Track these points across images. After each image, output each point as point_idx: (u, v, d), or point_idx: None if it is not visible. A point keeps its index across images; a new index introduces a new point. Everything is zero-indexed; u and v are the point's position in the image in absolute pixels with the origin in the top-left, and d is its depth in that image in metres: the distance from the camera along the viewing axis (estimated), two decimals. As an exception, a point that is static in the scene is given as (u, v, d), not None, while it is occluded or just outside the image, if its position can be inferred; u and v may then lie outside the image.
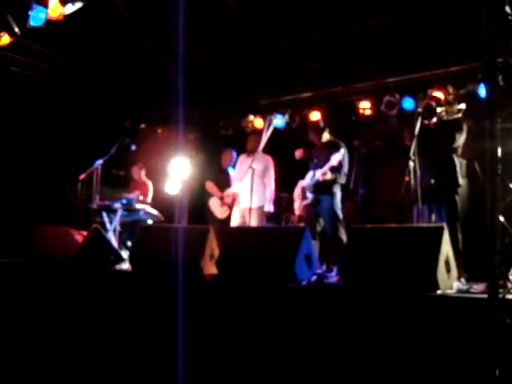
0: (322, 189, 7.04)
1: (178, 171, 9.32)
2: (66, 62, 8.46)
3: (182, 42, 5.39)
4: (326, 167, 6.92)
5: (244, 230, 6.25)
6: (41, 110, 8.59)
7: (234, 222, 7.84)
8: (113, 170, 8.59)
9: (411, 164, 5.58)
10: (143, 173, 9.31)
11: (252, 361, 4.31)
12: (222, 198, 8.34)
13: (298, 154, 7.49)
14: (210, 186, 8.55)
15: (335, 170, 6.97)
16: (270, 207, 7.92)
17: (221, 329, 4.54)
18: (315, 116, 8.91)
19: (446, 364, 3.51)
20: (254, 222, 7.53)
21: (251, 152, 7.78)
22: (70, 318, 5.53)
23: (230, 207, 8.20)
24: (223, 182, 8.47)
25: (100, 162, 7.64)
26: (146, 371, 4.75)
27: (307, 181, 7.18)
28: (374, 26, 6.98)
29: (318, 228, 7.14)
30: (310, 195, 7.13)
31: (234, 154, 8.68)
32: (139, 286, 5.29)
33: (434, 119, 6.15)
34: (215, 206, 8.41)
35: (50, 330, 5.59)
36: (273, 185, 7.98)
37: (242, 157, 8.20)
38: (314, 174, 7.09)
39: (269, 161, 8.01)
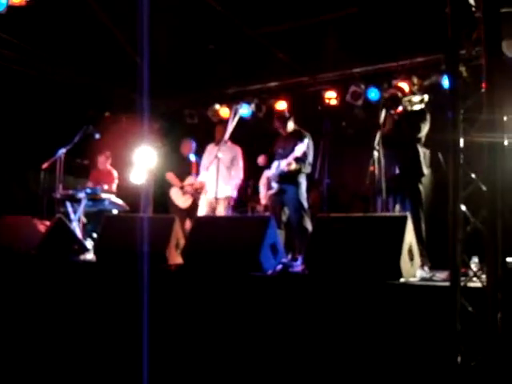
0: (287, 179, 7.07)
1: (143, 160, 9.25)
2: (29, 49, 8.31)
3: (146, 31, 5.32)
4: (291, 157, 6.95)
5: (209, 219, 6.24)
6: (3, 97, 8.43)
7: (202, 212, 7.81)
8: (76, 159, 8.47)
9: (375, 154, 5.63)
10: (109, 162, 9.21)
11: (217, 350, 4.32)
12: (182, 188, 8.33)
13: (261, 160, 7.55)
14: (170, 176, 8.52)
15: (300, 160, 7.00)
16: (233, 192, 7.92)
17: (186, 318, 4.53)
18: (281, 105, 8.93)
19: (409, 351, 3.56)
20: (220, 212, 7.53)
21: (218, 142, 7.76)
22: (33, 309, 5.46)
23: (192, 196, 8.20)
24: (183, 172, 8.46)
25: (63, 150, 7.53)
26: (110, 362, 4.73)
27: (272, 171, 7.19)
28: (341, 16, 7.00)
29: (284, 217, 7.18)
30: (275, 185, 7.15)
31: (193, 143, 8.73)
32: (104, 276, 5.25)
33: (399, 109, 6.21)
34: (176, 196, 8.39)
35: (11, 321, 5.51)
36: (241, 175, 7.98)
37: (210, 146, 8.15)
38: (279, 164, 7.11)
39: (237, 151, 7.99)
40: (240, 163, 7.97)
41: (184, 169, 8.50)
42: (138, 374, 4.04)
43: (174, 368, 4.42)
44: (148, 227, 5.06)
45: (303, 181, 7.17)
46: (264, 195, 7.39)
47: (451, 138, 3.45)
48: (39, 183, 7.66)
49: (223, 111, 9.64)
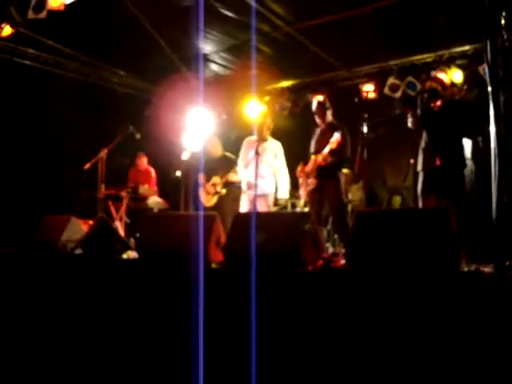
0: (325, 174, 7.02)
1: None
2: (73, 53, 8.53)
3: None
4: (326, 151, 6.90)
5: (250, 216, 6.25)
6: (48, 99, 8.60)
7: (244, 208, 7.85)
8: (118, 159, 8.59)
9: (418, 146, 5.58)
10: (145, 160, 9.31)
11: (265, 347, 4.33)
12: (204, 187, 8.40)
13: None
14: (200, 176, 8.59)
15: (336, 153, 6.94)
16: (283, 193, 7.89)
17: (231, 315, 4.56)
18: (320, 97, 8.89)
19: (468, 347, 3.51)
20: (262, 208, 7.55)
21: (258, 137, 7.76)
22: (76, 308, 5.54)
23: (214, 195, 8.26)
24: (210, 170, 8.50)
25: (105, 150, 7.64)
26: (157, 358, 4.77)
27: (310, 166, 7.16)
28: (377, 8, 6.95)
29: (324, 213, 7.15)
30: (313, 180, 7.11)
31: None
32: (146, 275, 5.30)
33: (439, 102, 6.14)
34: (202, 195, 8.46)
35: (53, 321, 5.60)
36: (284, 170, 7.92)
37: (248, 142, 8.11)
38: (316, 159, 7.07)
39: (278, 146, 7.94)
40: (281, 158, 7.89)
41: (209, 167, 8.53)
42: (187, 373, 4.07)
43: (227, 367, 4.43)
44: (189, 225, 5.10)
45: (341, 176, 7.12)
46: (303, 191, 7.36)
47: (493, 127, 3.40)
48: (81, 183, 7.80)
49: (261, 108, 9.65)
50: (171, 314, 4.78)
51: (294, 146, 8.10)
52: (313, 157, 7.15)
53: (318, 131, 7.37)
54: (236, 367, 4.25)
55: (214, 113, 9.58)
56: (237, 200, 8.15)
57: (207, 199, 8.34)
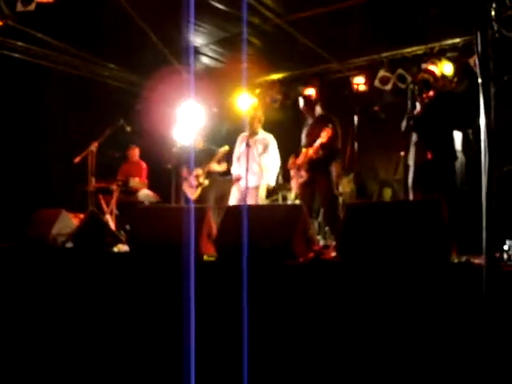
0: (316, 167, 7.02)
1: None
2: (62, 46, 8.49)
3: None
4: (317, 144, 6.91)
5: (241, 208, 6.25)
6: (36, 92, 8.56)
7: (233, 201, 7.84)
8: (108, 152, 8.56)
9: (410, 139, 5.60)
10: (137, 152, 9.29)
11: (256, 340, 4.33)
12: (186, 179, 8.42)
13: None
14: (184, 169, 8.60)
15: (327, 146, 6.95)
16: (270, 181, 7.87)
17: (222, 307, 4.56)
18: (309, 92, 8.88)
19: (455, 337, 3.53)
20: (251, 201, 7.55)
21: (249, 131, 7.77)
22: (67, 302, 5.53)
23: (196, 187, 8.27)
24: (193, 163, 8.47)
25: (95, 144, 7.60)
26: (149, 353, 4.77)
27: (301, 159, 7.16)
28: (367, 0, 6.95)
29: (315, 205, 7.16)
30: (304, 173, 7.12)
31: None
32: (137, 268, 5.30)
33: (431, 93, 6.16)
34: (185, 187, 8.48)
35: (44, 314, 5.58)
36: (277, 162, 7.90)
37: (241, 136, 8.10)
38: (306, 152, 7.08)
39: (269, 139, 7.92)
40: (272, 150, 7.88)
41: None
42: (178, 366, 4.07)
43: (217, 361, 4.44)
44: (180, 218, 5.10)
45: (332, 168, 7.13)
46: (295, 184, 7.37)
47: (483, 119, 3.41)
48: (72, 177, 7.77)
49: (252, 101, 9.64)
50: (162, 307, 4.79)
51: (285, 138, 8.10)
52: (304, 150, 7.16)
53: (308, 123, 7.37)
54: (228, 359, 4.26)
55: (204, 106, 9.55)
56: (221, 190, 8.20)
57: (191, 192, 8.35)
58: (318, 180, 7.02)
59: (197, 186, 8.27)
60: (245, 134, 7.93)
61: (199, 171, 8.27)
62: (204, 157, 8.32)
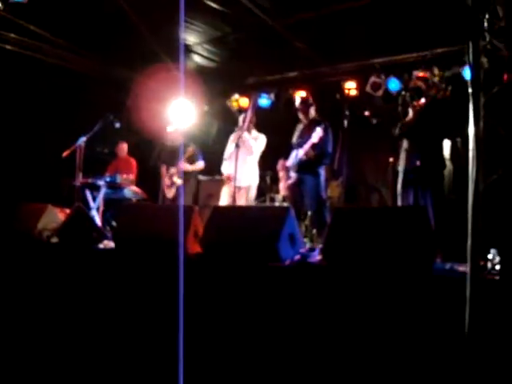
0: (306, 168, 7.04)
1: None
2: (51, 38, 8.42)
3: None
4: (308, 144, 6.93)
5: (228, 209, 6.25)
6: (25, 85, 8.50)
7: (224, 201, 7.83)
8: (97, 148, 8.52)
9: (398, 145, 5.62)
10: (125, 148, 9.24)
11: (235, 341, 4.34)
12: (163, 178, 8.44)
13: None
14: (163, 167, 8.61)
15: (317, 147, 6.97)
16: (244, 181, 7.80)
17: (203, 307, 4.55)
18: (301, 95, 8.89)
19: (431, 343, 3.54)
20: (241, 201, 7.55)
21: (239, 130, 7.77)
22: (51, 296, 5.50)
23: (171, 186, 8.31)
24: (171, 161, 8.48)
25: (83, 139, 7.56)
26: (132, 348, 4.76)
27: (291, 160, 7.18)
28: (361, 6, 6.96)
29: (303, 207, 7.17)
30: (293, 175, 7.13)
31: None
32: (122, 264, 5.28)
33: (422, 100, 6.18)
34: (163, 186, 8.49)
35: (28, 309, 5.55)
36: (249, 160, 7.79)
37: (233, 135, 8.06)
38: (297, 154, 7.09)
39: (258, 139, 7.87)
40: (257, 150, 7.79)
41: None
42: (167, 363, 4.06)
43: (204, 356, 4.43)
44: (166, 215, 5.09)
45: (322, 171, 7.14)
46: (283, 185, 7.37)
47: (472, 128, 3.43)
48: (59, 171, 7.72)
49: (242, 101, 9.64)
50: (147, 304, 4.78)
51: (276, 140, 8.10)
52: (294, 151, 7.17)
53: (300, 126, 7.39)
54: (215, 355, 4.27)
55: (195, 104, 9.53)
56: (193, 190, 8.24)
57: (167, 191, 8.33)
58: (307, 181, 7.04)
59: (170, 186, 8.26)
60: (236, 133, 7.92)
61: (174, 170, 8.27)
62: (179, 156, 8.31)
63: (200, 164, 8.54)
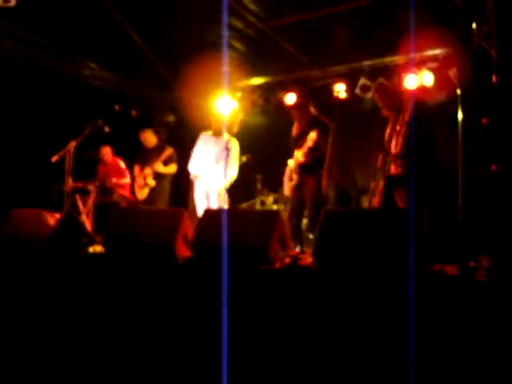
0: (307, 170, 7.09)
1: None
2: (42, 43, 8.39)
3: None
4: (305, 149, 7.01)
5: (218, 212, 6.24)
6: (14, 89, 8.46)
7: (199, 203, 7.77)
8: (86, 152, 8.48)
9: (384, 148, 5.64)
10: (109, 151, 9.15)
11: (232, 345, 4.32)
12: (136, 179, 8.41)
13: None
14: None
15: (314, 150, 7.02)
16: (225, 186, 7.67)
17: (193, 311, 4.54)
18: (290, 98, 8.87)
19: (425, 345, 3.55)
20: (215, 203, 7.55)
21: (215, 133, 7.76)
22: (40, 301, 5.47)
23: (143, 188, 8.26)
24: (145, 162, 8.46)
25: (73, 143, 7.53)
26: (124, 355, 4.74)
27: (293, 162, 7.23)
28: (349, 9, 6.99)
29: (303, 209, 7.23)
30: (295, 176, 7.18)
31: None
32: (113, 269, 5.27)
33: (384, 111, 6.29)
34: (135, 186, 8.48)
35: (17, 314, 5.52)
36: (234, 171, 7.68)
37: (204, 137, 7.97)
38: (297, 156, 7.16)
39: (232, 143, 7.76)
40: (234, 154, 7.68)
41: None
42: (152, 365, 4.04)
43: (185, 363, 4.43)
44: (155, 219, 5.08)
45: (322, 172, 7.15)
46: (287, 187, 7.39)
47: (459, 131, 3.44)
48: (49, 176, 7.69)
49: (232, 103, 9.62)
50: (137, 309, 4.76)
51: (265, 143, 8.11)
52: (296, 153, 7.21)
53: (297, 126, 7.40)
54: (208, 359, 4.25)
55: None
56: (165, 192, 8.22)
57: (140, 192, 8.28)
58: (307, 182, 7.08)
59: (143, 187, 8.22)
60: (207, 134, 7.87)
61: (148, 171, 8.23)
62: (154, 156, 8.28)
63: (173, 167, 8.41)
